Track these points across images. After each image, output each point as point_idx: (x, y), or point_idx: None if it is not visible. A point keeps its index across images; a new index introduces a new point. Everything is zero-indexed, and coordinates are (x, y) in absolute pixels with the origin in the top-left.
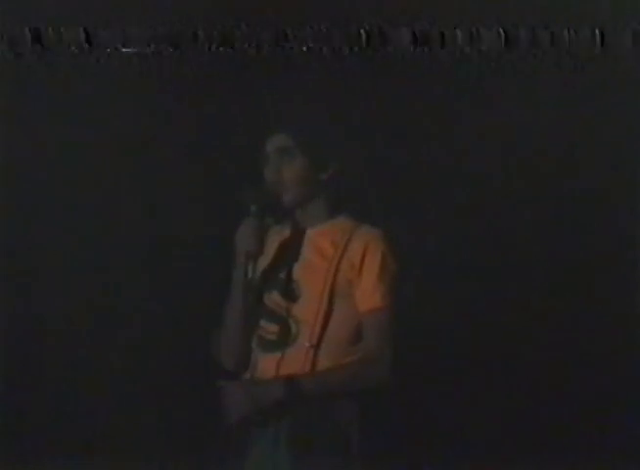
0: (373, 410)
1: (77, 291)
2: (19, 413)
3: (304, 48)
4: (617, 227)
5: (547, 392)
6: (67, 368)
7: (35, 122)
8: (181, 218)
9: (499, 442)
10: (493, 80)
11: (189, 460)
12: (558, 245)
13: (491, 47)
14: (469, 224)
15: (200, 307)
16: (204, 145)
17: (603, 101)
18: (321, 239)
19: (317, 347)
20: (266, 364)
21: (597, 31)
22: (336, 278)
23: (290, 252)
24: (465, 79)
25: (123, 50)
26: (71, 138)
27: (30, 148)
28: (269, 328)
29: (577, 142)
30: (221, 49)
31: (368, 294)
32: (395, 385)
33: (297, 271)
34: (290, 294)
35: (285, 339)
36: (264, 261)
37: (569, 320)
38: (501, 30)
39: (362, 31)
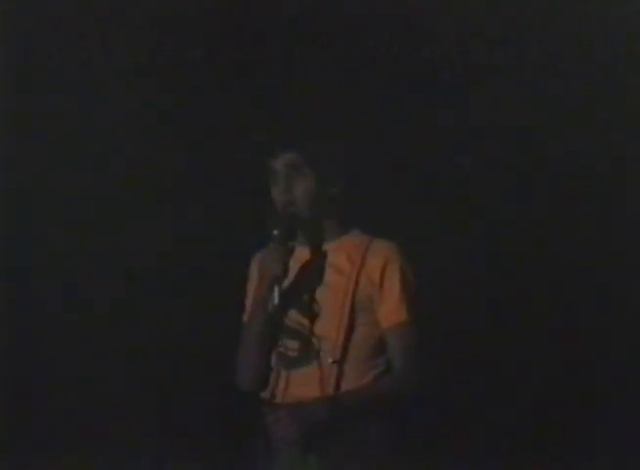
0: (401, 426)
1: (78, 291)
2: (19, 413)
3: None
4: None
5: (576, 398)
6: (67, 368)
7: (36, 123)
8: (186, 220)
9: (533, 454)
10: (509, 91)
11: (189, 461)
12: (578, 254)
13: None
14: (483, 234)
15: (199, 309)
16: (209, 164)
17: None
18: (336, 255)
19: (340, 362)
20: (289, 382)
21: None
22: (355, 294)
23: (309, 271)
24: (481, 92)
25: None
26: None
27: (30, 149)
28: (291, 345)
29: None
30: (226, 67)
31: (392, 309)
32: (426, 399)
33: (316, 288)
34: (310, 311)
35: (307, 355)
36: (285, 282)
37: (589, 328)
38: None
39: (370, 47)
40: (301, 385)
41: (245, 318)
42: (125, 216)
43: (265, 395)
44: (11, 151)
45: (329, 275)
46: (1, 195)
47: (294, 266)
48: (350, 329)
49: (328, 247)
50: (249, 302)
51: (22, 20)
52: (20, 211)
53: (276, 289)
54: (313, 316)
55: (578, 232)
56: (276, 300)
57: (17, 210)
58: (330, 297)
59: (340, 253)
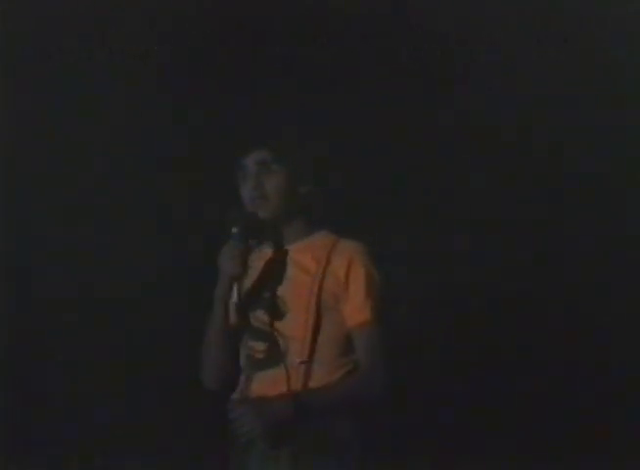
0: (370, 425)
1: (77, 290)
2: (18, 413)
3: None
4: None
5: (543, 405)
6: (66, 368)
7: (36, 124)
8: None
9: (497, 453)
10: (508, 91)
11: (189, 461)
12: (546, 254)
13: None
14: (452, 234)
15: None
16: (181, 160)
17: None
18: (302, 255)
19: (308, 362)
20: (257, 383)
21: None
22: (320, 293)
23: (273, 270)
24: (478, 92)
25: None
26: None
27: (31, 149)
28: (257, 347)
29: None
30: (200, 66)
31: (357, 308)
32: (390, 399)
33: (282, 288)
34: (276, 311)
35: (274, 356)
36: (249, 281)
37: (566, 324)
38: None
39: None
40: (269, 385)
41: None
42: (125, 216)
43: (235, 396)
44: (11, 151)
45: (294, 274)
46: (1, 195)
47: (260, 266)
48: (317, 329)
49: (295, 246)
50: None
51: (23, 20)
52: (20, 212)
53: (234, 287)
54: (278, 315)
55: (559, 231)
56: (235, 298)
57: (17, 210)
58: (296, 296)
59: (305, 252)
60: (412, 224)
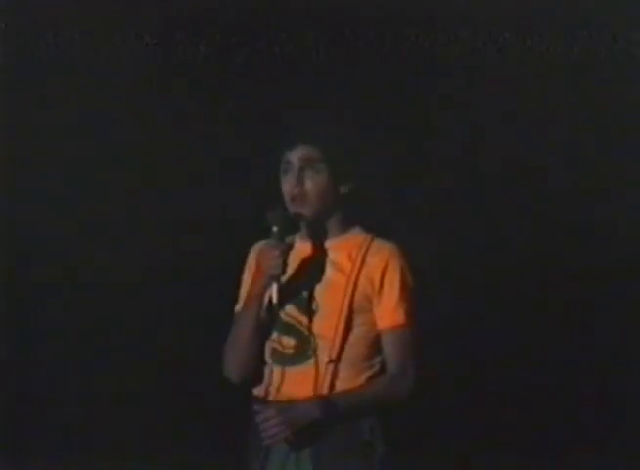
0: (397, 427)
1: (78, 290)
2: (18, 413)
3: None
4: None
5: (572, 409)
6: (66, 369)
7: (36, 122)
8: (190, 224)
9: (525, 457)
10: (522, 95)
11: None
12: (576, 256)
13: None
14: (485, 236)
15: (200, 308)
16: (224, 153)
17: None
18: (337, 253)
19: (336, 362)
20: (284, 380)
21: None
22: (354, 294)
23: (306, 266)
24: (494, 93)
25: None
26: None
27: (31, 149)
28: (286, 342)
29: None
30: (245, 57)
31: (390, 311)
32: (420, 402)
33: (315, 285)
34: (309, 309)
35: (303, 353)
36: (284, 278)
37: (591, 333)
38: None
39: (393, 46)
40: (296, 383)
41: (237, 309)
42: (125, 213)
43: (259, 392)
44: (10, 151)
45: (329, 273)
46: (1, 195)
47: (293, 261)
48: (348, 329)
49: (330, 244)
50: (243, 291)
51: (23, 19)
52: (20, 211)
53: (275, 287)
54: (312, 314)
55: (582, 236)
56: (275, 298)
57: (17, 209)
58: (329, 295)
59: (341, 251)
60: (442, 224)
